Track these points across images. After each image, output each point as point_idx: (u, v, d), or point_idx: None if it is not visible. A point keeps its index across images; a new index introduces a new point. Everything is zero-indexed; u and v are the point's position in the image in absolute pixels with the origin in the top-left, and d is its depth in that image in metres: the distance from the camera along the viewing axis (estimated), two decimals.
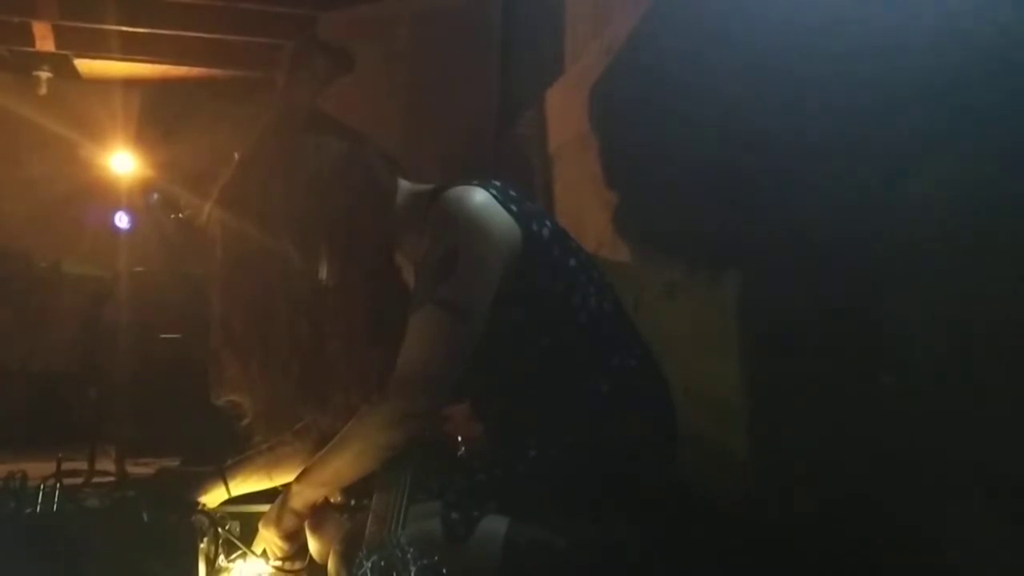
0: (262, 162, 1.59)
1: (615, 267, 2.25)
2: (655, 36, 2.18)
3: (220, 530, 1.61)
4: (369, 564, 1.21)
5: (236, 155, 1.61)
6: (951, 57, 1.28)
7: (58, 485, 1.53)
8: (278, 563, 1.61)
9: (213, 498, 1.73)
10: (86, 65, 5.31)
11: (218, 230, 1.58)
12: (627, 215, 2.34)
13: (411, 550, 1.19)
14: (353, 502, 1.57)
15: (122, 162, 3.93)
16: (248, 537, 1.66)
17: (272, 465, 1.74)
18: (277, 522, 1.58)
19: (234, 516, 1.71)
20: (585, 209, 2.55)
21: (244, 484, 1.74)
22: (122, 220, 3.80)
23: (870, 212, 1.44)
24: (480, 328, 1.46)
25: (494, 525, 1.37)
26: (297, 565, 1.61)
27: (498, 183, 1.54)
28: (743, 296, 1.81)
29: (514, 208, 1.50)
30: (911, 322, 1.37)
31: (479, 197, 1.49)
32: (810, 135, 1.58)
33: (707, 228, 1.94)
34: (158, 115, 5.41)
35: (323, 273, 1.54)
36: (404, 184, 1.61)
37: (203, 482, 1.73)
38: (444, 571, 1.20)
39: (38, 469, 1.65)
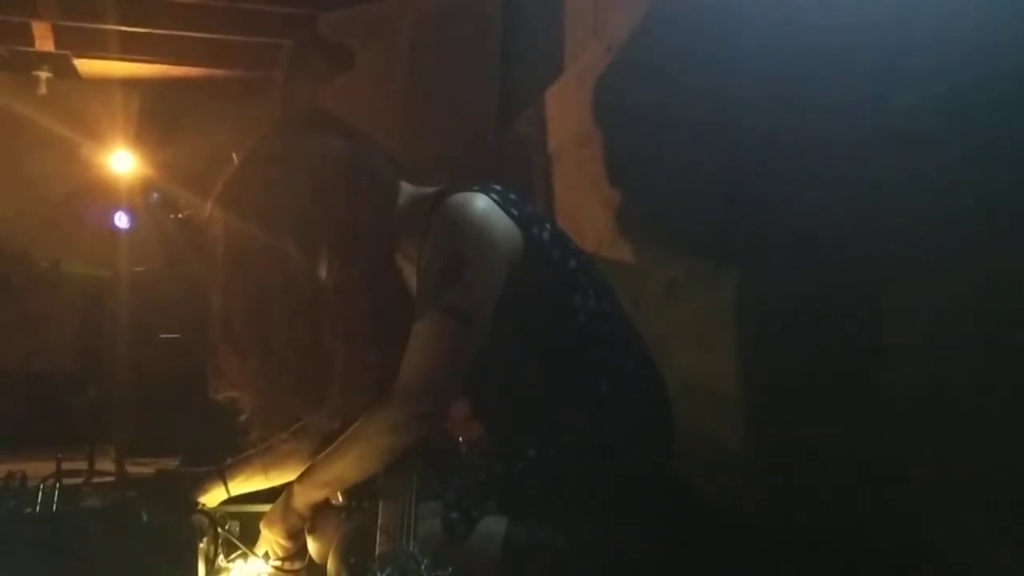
0: (265, 161, 1.59)
1: (615, 267, 2.25)
2: (655, 36, 2.18)
3: (219, 530, 1.61)
4: None
5: (234, 155, 1.61)
6: (952, 56, 1.28)
7: (57, 485, 1.52)
8: (278, 563, 1.61)
9: (212, 498, 1.72)
10: (86, 65, 5.31)
11: (219, 229, 1.58)
12: (627, 215, 2.34)
13: (425, 561, 1.19)
14: (354, 503, 1.57)
15: (122, 162, 3.90)
16: (248, 537, 1.66)
17: (271, 465, 1.74)
18: (280, 521, 1.58)
19: (233, 516, 1.71)
20: (585, 209, 2.55)
21: (244, 484, 1.75)
22: (121, 220, 3.78)
23: (870, 212, 1.44)
24: (484, 332, 1.46)
25: (493, 525, 1.37)
26: (296, 565, 1.61)
27: (498, 187, 1.54)
28: (743, 296, 1.81)
29: (515, 212, 1.51)
30: (911, 321, 1.37)
31: (481, 203, 1.50)
32: (810, 135, 1.58)
33: (707, 228, 1.94)
34: (158, 115, 5.41)
35: (323, 273, 1.54)
36: (406, 186, 1.61)
37: (202, 482, 1.73)
38: None
39: (37, 469, 1.65)
